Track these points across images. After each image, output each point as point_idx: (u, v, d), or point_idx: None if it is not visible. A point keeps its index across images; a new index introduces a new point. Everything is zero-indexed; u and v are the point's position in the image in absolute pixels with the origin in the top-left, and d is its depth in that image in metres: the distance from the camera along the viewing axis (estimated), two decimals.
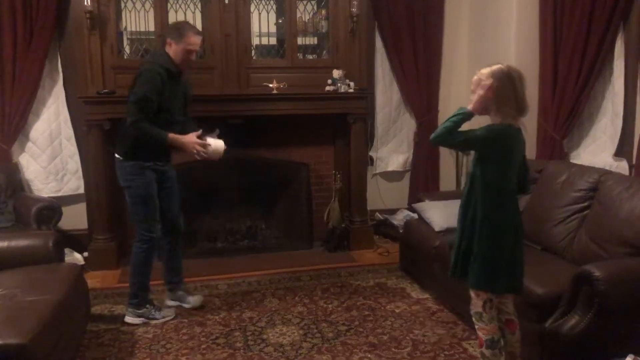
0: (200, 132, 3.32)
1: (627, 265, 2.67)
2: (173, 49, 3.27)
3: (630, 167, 3.88)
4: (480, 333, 2.50)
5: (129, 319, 3.45)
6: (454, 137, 2.37)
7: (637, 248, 2.78)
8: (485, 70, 2.40)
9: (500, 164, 2.39)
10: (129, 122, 3.23)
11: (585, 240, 3.12)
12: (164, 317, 3.44)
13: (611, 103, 4.08)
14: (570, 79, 4.10)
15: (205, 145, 3.28)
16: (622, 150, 4.02)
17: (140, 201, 3.39)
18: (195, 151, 3.26)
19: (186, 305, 3.60)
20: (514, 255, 2.42)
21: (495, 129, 2.38)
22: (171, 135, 3.24)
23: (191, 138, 3.26)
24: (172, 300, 3.65)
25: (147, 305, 3.47)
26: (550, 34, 4.21)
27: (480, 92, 2.38)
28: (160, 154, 3.37)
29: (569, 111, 4.14)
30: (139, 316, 3.46)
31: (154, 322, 3.43)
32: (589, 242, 3.09)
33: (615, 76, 4.02)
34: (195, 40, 3.28)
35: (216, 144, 3.33)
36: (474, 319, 2.52)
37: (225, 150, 3.37)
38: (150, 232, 3.40)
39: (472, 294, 2.49)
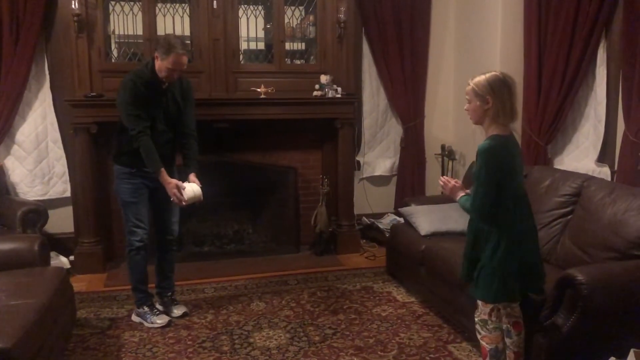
0: (183, 184, 3.31)
1: (610, 269, 2.70)
2: (158, 64, 3.26)
3: (612, 172, 3.94)
4: (483, 342, 2.50)
5: (132, 317, 3.54)
6: (481, 206, 2.33)
7: (620, 252, 2.82)
8: (480, 79, 2.36)
9: (502, 176, 2.33)
10: (131, 135, 3.23)
11: (569, 244, 3.16)
12: (152, 323, 3.43)
13: (594, 109, 4.15)
14: (554, 86, 4.16)
15: (181, 191, 3.26)
16: (605, 156, 4.09)
17: (123, 205, 3.42)
18: (173, 196, 3.26)
19: (171, 314, 3.59)
20: (533, 260, 2.43)
21: (487, 150, 2.31)
22: (163, 172, 3.24)
23: (172, 182, 3.25)
24: (160, 305, 3.63)
25: (144, 307, 3.48)
26: (535, 41, 4.27)
27: (477, 102, 2.36)
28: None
29: (552, 117, 4.20)
30: (138, 315, 3.51)
31: (146, 325, 3.44)
32: (572, 247, 3.13)
33: (598, 83, 4.09)
34: (179, 60, 3.22)
35: (192, 189, 3.31)
36: (477, 327, 2.52)
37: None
38: (132, 237, 3.40)
39: (480, 301, 2.49)
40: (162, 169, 3.25)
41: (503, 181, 2.33)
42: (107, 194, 4.49)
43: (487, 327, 2.48)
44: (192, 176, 3.42)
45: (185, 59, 3.28)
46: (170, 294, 3.66)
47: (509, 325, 2.51)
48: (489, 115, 2.36)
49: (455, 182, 2.57)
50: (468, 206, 2.42)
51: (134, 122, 3.22)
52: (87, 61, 4.26)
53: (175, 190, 3.25)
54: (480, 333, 2.52)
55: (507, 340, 2.52)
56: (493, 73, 2.38)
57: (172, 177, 3.42)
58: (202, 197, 3.34)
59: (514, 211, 2.38)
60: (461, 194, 2.50)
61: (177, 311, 3.59)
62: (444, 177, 2.62)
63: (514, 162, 2.39)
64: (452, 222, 3.80)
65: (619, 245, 2.83)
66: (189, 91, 3.53)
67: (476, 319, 2.53)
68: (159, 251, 3.60)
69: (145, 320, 3.45)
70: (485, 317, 2.48)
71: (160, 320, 3.44)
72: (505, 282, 2.38)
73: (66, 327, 3.11)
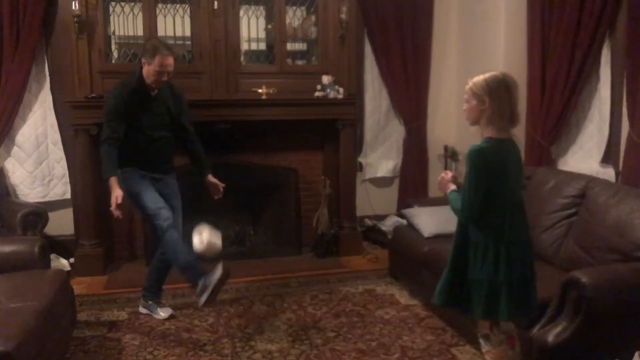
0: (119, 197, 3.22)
1: (614, 271, 2.68)
2: (145, 69, 3.29)
3: (617, 174, 3.92)
4: (487, 357, 2.43)
5: (199, 295, 3.18)
6: (469, 210, 2.27)
7: (624, 254, 2.80)
8: (479, 79, 2.29)
9: (494, 182, 2.26)
10: (99, 141, 3.35)
11: (573, 246, 3.14)
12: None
13: (598, 110, 4.13)
14: (558, 87, 4.14)
15: (118, 205, 3.20)
16: (609, 157, 4.06)
17: (134, 197, 3.39)
18: (112, 205, 3.22)
19: (155, 316, 3.55)
20: (522, 276, 2.30)
21: (476, 152, 2.24)
22: (112, 179, 3.24)
23: (114, 192, 3.21)
24: (143, 307, 3.62)
25: (200, 281, 3.17)
26: (538, 42, 4.25)
27: (474, 102, 2.29)
28: (144, 166, 3.39)
29: (556, 118, 4.18)
30: (202, 287, 3.16)
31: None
32: (576, 249, 3.11)
33: (602, 84, 4.06)
34: (164, 62, 3.25)
35: (210, 239, 3.15)
36: (481, 341, 2.45)
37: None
38: (157, 220, 3.30)
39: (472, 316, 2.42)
40: (115, 178, 3.24)
41: (493, 186, 2.26)
42: (107, 196, 4.45)
43: (491, 342, 2.40)
44: (210, 176, 3.56)
45: (171, 60, 3.29)
46: (156, 298, 3.63)
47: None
48: (485, 117, 2.28)
49: (445, 173, 2.50)
50: (456, 205, 2.34)
51: (106, 131, 3.31)
52: (88, 62, 4.25)
53: (115, 201, 3.18)
54: (484, 347, 2.44)
55: None
56: (493, 73, 2.30)
57: (169, 180, 3.50)
58: (219, 247, 3.19)
59: (505, 219, 2.29)
60: (452, 187, 2.43)
61: (163, 313, 3.56)
62: (444, 172, 2.54)
63: (506, 167, 2.29)
64: (455, 224, 3.77)
65: (623, 247, 2.81)
66: (181, 97, 3.56)
67: (479, 334, 2.46)
68: (159, 253, 3.56)
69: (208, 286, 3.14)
70: (487, 331, 2.40)
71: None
72: (492, 297, 2.27)
73: (66, 329, 3.08)
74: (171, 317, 3.54)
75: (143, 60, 3.30)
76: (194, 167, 3.65)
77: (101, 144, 3.32)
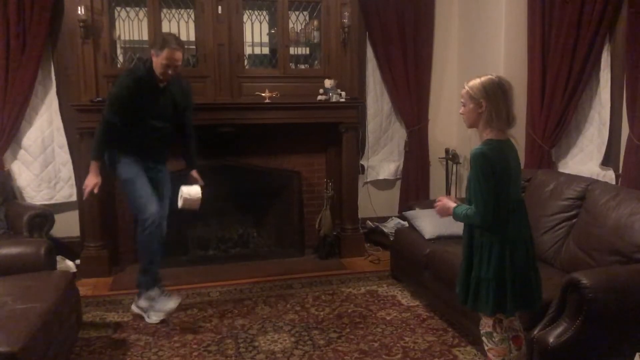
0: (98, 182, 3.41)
1: (615, 273, 2.69)
2: (154, 61, 3.33)
3: (617, 176, 3.94)
4: (490, 354, 2.45)
5: (133, 307, 3.59)
6: (485, 213, 2.27)
7: (624, 256, 2.81)
8: (475, 83, 2.32)
9: (498, 182, 2.28)
10: (101, 121, 3.40)
11: (573, 248, 3.16)
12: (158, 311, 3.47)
13: (598, 113, 4.15)
14: (558, 90, 4.17)
15: (93, 188, 3.40)
16: (609, 159, 4.09)
17: (125, 185, 3.46)
18: (85, 186, 3.40)
19: (167, 308, 3.51)
20: (525, 272, 2.33)
21: (480, 155, 2.27)
22: (94, 163, 3.40)
23: (92, 179, 3.39)
24: (137, 307, 3.62)
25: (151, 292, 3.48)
26: (539, 45, 4.28)
27: (471, 105, 2.32)
28: (140, 153, 3.45)
29: (556, 121, 4.20)
30: (146, 299, 3.50)
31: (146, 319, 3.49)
32: (577, 250, 3.13)
33: (602, 87, 4.09)
34: (172, 55, 3.27)
35: (189, 192, 3.39)
36: (483, 339, 2.47)
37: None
38: (143, 213, 3.37)
39: (481, 313, 2.45)
40: (97, 163, 3.39)
41: (497, 186, 2.28)
42: (112, 198, 4.52)
43: (493, 339, 2.43)
44: (194, 172, 3.64)
45: (179, 55, 3.31)
46: (160, 285, 3.62)
47: (508, 340, 2.47)
48: (482, 119, 2.32)
49: (439, 199, 2.55)
50: (470, 213, 2.34)
51: (107, 113, 3.35)
52: (93, 66, 4.29)
53: (90, 184, 3.37)
54: (487, 345, 2.47)
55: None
56: (488, 76, 2.33)
57: (162, 171, 3.58)
58: (198, 199, 3.40)
59: (509, 217, 2.32)
60: (452, 205, 2.45)
61: (173, 303, 3.50)
62: (437, 199, 2.59)
63: (508, 167, 2.33)
64: (457, 225, 3.73)
65: (623, 249, 2.83)
66: (189, 92, 3.61)
67: (481, 331, 2.48)
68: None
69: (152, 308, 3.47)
70: (490, 329, 2.42)
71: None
72: (500, 293, 2.31)
73: (72, 330, 3.12)
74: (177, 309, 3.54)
75: (152, 51, 3.33)
76: (184, 159, 3.76)
77: (99, 123, 3.37)
